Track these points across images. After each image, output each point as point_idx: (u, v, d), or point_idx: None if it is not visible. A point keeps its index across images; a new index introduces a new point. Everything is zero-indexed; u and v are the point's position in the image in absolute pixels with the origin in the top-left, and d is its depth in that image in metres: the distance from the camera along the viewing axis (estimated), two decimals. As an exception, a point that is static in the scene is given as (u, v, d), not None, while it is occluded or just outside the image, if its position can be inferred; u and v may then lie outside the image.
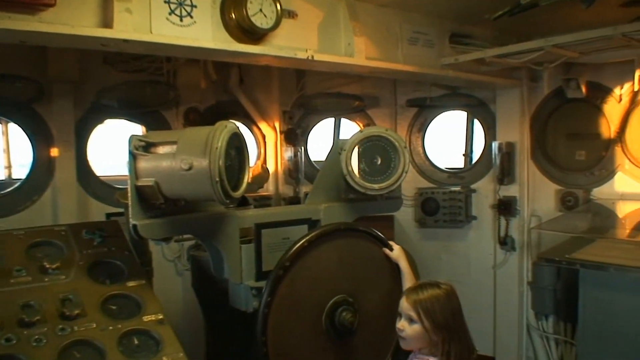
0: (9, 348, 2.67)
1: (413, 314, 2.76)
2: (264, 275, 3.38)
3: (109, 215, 4.68)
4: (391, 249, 3.65)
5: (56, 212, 4.94)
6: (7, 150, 5.79)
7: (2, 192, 4.95)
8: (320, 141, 6.87)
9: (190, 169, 2.96)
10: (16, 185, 5.04)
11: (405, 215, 6.49)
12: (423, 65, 4.77)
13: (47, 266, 3.17)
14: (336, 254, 3.44)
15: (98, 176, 5.40)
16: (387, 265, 3.64)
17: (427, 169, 6.60)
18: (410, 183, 6.44)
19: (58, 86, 4.95)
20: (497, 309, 6.24)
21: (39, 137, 4.97)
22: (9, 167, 5.81)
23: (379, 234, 3.62)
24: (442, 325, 2.74)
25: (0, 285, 2.98)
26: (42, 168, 4.99)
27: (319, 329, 3.36)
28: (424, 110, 6.56)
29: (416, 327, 2.76)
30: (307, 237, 3.30)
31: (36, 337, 2.77)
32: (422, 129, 6.59)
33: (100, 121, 5.37)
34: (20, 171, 5.33)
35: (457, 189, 6.28)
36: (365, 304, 3.52)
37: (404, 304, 2.83)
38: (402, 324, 2.82)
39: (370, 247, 3.60)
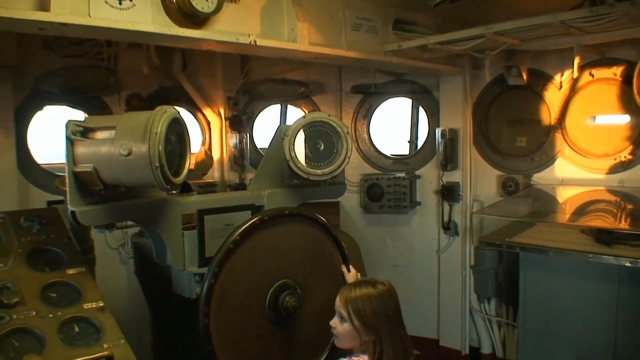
0: (-57, 338, 2.61)
1: (344, 312, 2.75)
2: (206, 261, 3.39)
3: (50, 203, 4.59)
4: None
5: (-6, 201, 4.80)
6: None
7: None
8: (267, 128, 6.87)
9: (129, 154, 2.92)
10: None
11: (350, 201, 6.58)
12: (367, 51, 4.82)
13: (-17, 255, 3.10)
14: (280, 239, 3.47)
15: (39, 164, 5.26)
16: (330, 251, 3.71)
17: (372, 155, 6.70)
18: (355, 169, 6.54)
19: (-6, 70, 4.79)
20: (441, 292, 6.41)
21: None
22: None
23: (322, 219, 3.66)
24: (372, 326, 2.70)
25: None
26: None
27: (262, 313, 3.39)
28: (368, 97, 6.64)
29: (347, 326, 2.74)
30: (250, 222, 3.31)
31: (-29, 326, 2.71)
32: (367, 116, 6.68)
33: (40, 107, 5.23)
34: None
35: (402, 175, 6.40)
36: (308, 288, 3.57)
37: (337, 301, 2.82)
38: (334, 321, 2.82)
39: (314, 233, 3.65)
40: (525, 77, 5.67)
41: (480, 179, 6.22)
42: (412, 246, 6.58)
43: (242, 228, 3.31)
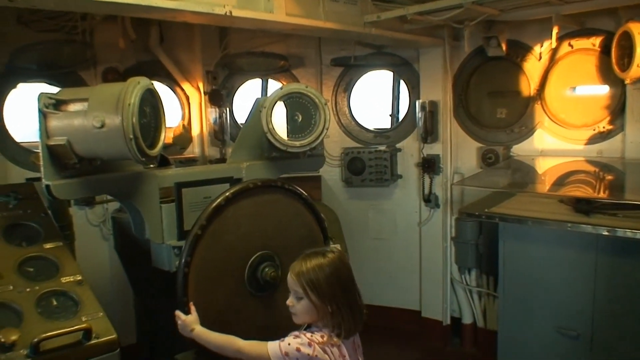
0: None
1: (298, 289, 2.62)
2: (185, 234, 3.36)
3: (28, 180, 4.54)
4: (312, 204, 3.71)
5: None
6: None
7: None
8: (247, 102, 6.82)
9: (102, 126, 2.90)
10: None
11: (332, 175, 6.59)
12: (346, 22, 4.77)
13: (-41, 230, 3.08)
14: (256, 210, 3.45)
15: (16, 141, 5.20)
16: (307, 221, 3.71)
17: (353, 128, 6.69)
18: (336, 143, 6.54)
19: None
20: (423, 264, 6.47)
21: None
22: None
23: (298, 189, 3.65)
24: (328, 298, 2.60)
25: None
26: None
27: (242, 285, 3.40)
28: (349, 70, 6.61)
29: (304, 302, 2.62)
30: (224, 195, 3.28)
31: (-52, 301, 2.70)
32: (348, 89, 6.65)
33: (15, 85, 5.15)
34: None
35: (383, 148, 6.40)
36: (287, 259, 3.56)
37: (290, 279, 2.69)
38: (290, 300, 2.70)
39: (290, 203, 3.64)
40: (504, 48, 5.66)
41: (460, 151, 6.25)
42: (393, 219, 6.62)
43: (227, 193, 3.29)
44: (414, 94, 6.39)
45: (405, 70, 6.45)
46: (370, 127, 6.73)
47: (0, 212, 3.32)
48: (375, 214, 6.69)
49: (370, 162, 6.38)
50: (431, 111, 6.04)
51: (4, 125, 5.09)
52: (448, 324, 6.38)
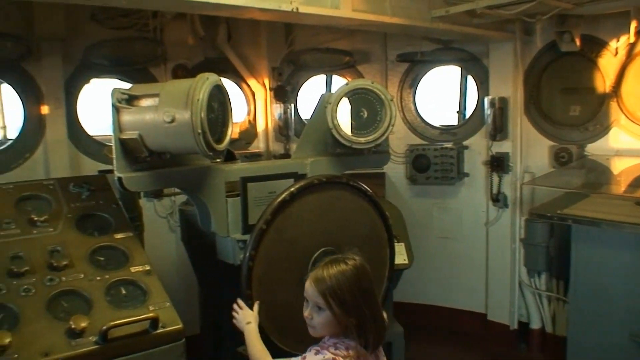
0: (-1, 298, 2.73)
1: (319, 299, 2.39)
2: (250, 228, 3.41)
3: (101, 172, 4.71)
4: (377, 201, 3.66)
5: (48, 169, 4.97)
6: (1, 111, 5.81)
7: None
8: (312, 98, 6.84)
9: (172, 121, 2.97)
10: (8, 143, 5.07)
11: (396, 172, 6.51)
12: (412, 17, 4.69)
13: (36, 219, 3.21)
14: (320, 206, 3.45)
15: (89, 134, 5.40)
16: (371, 218, 3.68)
17: (418, 125, 6.59)
18: (401, 140, 6.45)
19: (46, 44, 4.92)
20: (490, 266, 6.30)
21: (29, 95, 4.97)
22: (3, 127, 5.83)
23: (363, 185, 3.62)
24: (353, 309, 2.37)
25: (-12, 238, 3.03)
26: (33, 126, 5.01)
27: (305, 280, 3.40)
28: (415, 66, 6.51)
29: (325, 315, 2.39)
30: (289, 191, 3.30)
31: (25, 287, 2.82)
32: (414, 85, 6.55)
33: (88, 80, 5.36)
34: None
35: (449, 145, 6.28)
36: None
37: (309, 289, 2.45)
38: (309, 312, 2.46)
39: (354, 200, 3.62)
40: (578, 43, 5.43)
41: (531, 149, 6.03)
42: (459, 218, 6.48)
43: (292, 189, 3.31)
44: (482, 90, 6.23)
45: (474, 66, 6.29)
46: (436, 124, 6.60)
47: (74, 202, 3.44)
48: (440, 213, 6.57)
49: (435, 159, 6.26)
50: (501, 108, 5.87)
51: (78, 119, 5.29)
52: (515, 328, 6.19)
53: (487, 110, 5.95)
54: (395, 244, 3.96)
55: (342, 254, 2.56)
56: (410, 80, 6.55)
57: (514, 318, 6.17)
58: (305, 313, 2.48)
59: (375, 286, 2.54)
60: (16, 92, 4.98)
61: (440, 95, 7.20)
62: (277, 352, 2.89)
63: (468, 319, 6.48)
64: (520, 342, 6.18)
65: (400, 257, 4.67)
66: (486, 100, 5.97)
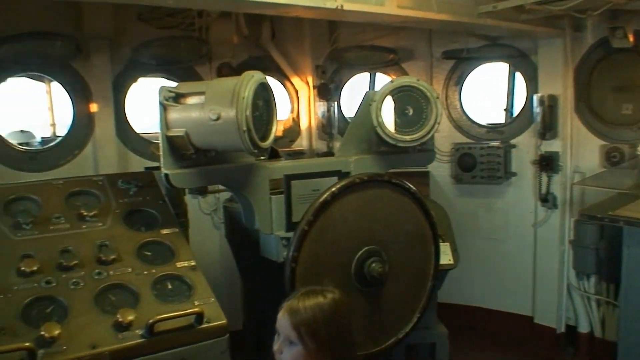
0: (49, 290, 2.81)
1: (292, 334, 2.18)
2: (293, 226, 3.42)
3: (148, 168, 4.80)
4: (421, 199, 3.60)
5: (97, 166, 5.09)
6: (51, 108, 5.99)
7: (45, 147, 5.14)
8: (355, 96, 6.80)
9: (218, 119, 3.00)
10: (58, 140, 5.21)
11: (441, 171, 6.41)
12: (459, 13, 4.61)
13: (85, 214, 3.28)
14: (363, 205, 3.44)
15: (137, 132, 5.51)
16: (415, 217, 3.63)
17: (464, 123, 6.47)
18: (446, 138, 6.36)
19: (94, 43, 5.04)
20: (537, 268, 6.15)
21: (78, 93, 5.11)
22: (53, 124, 6.01)
23: (406, 183, 3.58)
24: (327, 346, 2.18)
25: (41, 232, 3.11)
26: (82, 124, 5.15)
27: (348, 280, 3.39)
28: (461, 63, 6.40)
29: (296, 350, 2.18)
30: (330, 191, 3.29)
31: (74, 280, 2.89)
32: (459, 82, 6.44)
33: (136, 78, 5.46)
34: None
35: (496, 144, 6.15)
36: (394, 254, 3.52)
37: (281, 321, 2.23)
38: (279, 346, 2.24)
39: (398, 198, 3.58)
40: (631, 39, 5.23)
41: (581, 148, 5.85)
42: (506, 219, 6.34)
43: (333, 189, 3.30)
44: (531, 87, 6.08)
45: (522, 63, 6.14)
46: (483, 122, 6.48)
47: (122, 198, 3.50)
48: (486, 213, 6.44)
49: (481, 158, 6.15)
50: (550, 106, 5.71)
51: (126, 117, 5.40)
52: (562, 332, 6.02)
53: (536, 108, 5.80)
54: (441, 243, 3.91)
55: (320, 287, 2.35)
56: (456, 78, 6.45)
57: (562, 321, 6.00)
58: (275, 347, 2.26)
59: (351, 325, 2.32)
60: (66, 90, 5.12)
61: (487, 93, 7.06)
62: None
63: (514, 322, 6.34)
64: (567, 346, 6.01)
65: (446, 257, 4.60)
66: (535, 98, 5.82)
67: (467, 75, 6.44)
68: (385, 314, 3.58)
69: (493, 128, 6.43)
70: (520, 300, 6.31)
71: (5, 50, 4.67)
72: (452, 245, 4.88)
